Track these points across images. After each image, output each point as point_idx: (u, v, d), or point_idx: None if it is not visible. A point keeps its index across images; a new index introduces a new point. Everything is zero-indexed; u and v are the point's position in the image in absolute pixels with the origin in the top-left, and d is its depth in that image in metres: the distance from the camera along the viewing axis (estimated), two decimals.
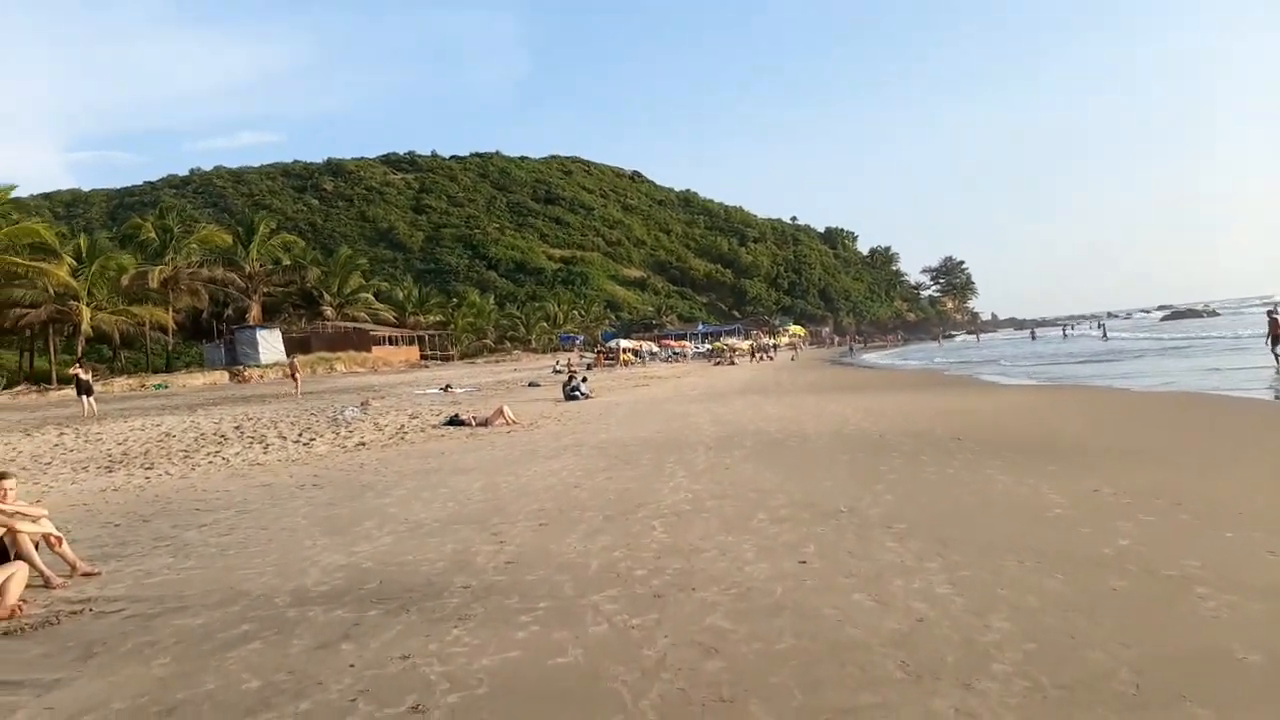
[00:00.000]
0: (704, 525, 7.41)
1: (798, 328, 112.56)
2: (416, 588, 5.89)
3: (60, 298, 46.64)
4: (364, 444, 15.34)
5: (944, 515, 7.34)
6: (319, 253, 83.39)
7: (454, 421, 18.17)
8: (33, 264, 43.61)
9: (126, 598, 5.99)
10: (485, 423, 17.84)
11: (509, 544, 7.04)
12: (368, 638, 4.94)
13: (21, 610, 5.61)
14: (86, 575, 6.57)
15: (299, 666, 4.57)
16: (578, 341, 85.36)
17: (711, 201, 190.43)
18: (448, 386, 32.94)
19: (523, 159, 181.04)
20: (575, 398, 24.80)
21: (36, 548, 6.45)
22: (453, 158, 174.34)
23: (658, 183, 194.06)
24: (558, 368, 46.18)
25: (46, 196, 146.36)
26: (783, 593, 5.38)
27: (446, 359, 71.84)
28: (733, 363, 57.26)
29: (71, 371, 24.03)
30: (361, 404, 24.48)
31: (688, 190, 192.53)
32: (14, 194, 48.70)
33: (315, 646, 4.86)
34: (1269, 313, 25.20)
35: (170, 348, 56.58)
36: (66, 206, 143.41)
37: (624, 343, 67.61)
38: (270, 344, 55.07)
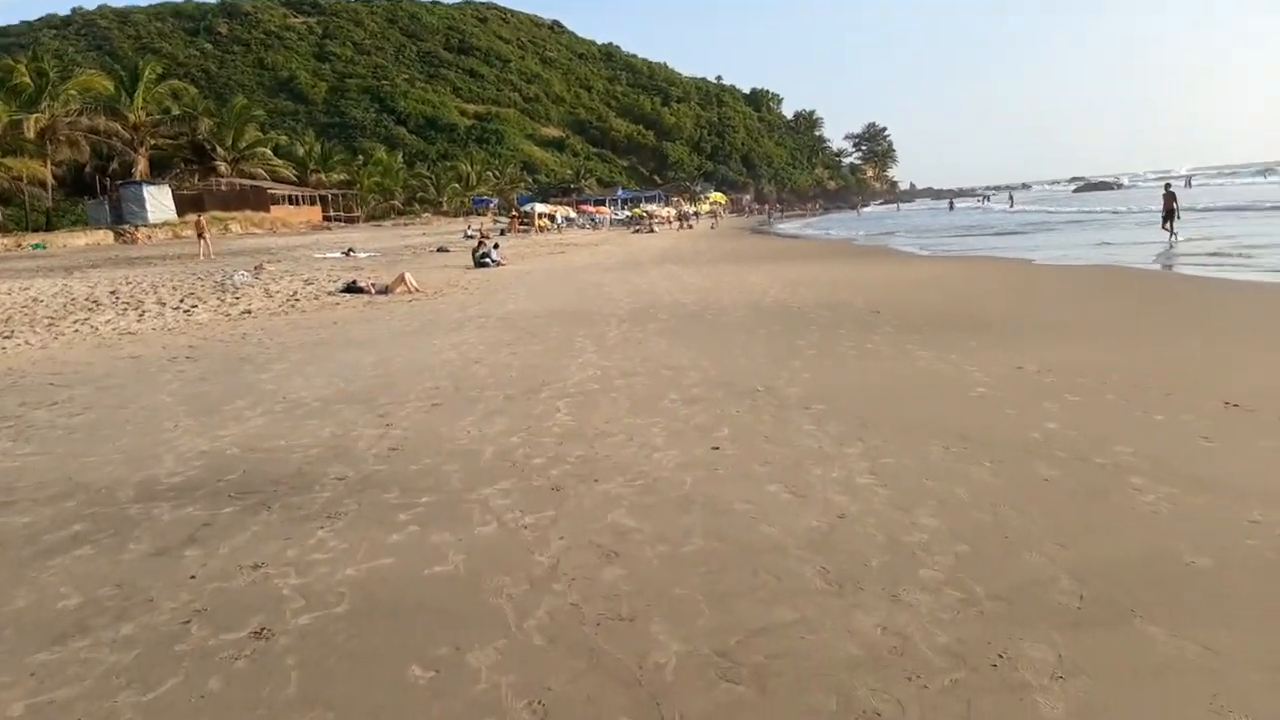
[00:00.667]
0: (612, 406, 6.87)
1: (719, 195, 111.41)
2: (284, 479, 5.22)
3: None
4: (250, 312, 14.28)
5: (864, 394, 6.95)
6: (212, 102, 77.66)
7: (351, 289, 17.12)
8: None
9: None
10: (385, 290, 16.85)
11: (395, 427, 6.39)
12: (217, 541, 4.29)
13: None
14: None
15: (130, 578, 3.91)
16: (492, 205, 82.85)
17: (635, 57, 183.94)
18: (350, 250, 31.36)
19: (434, 3, 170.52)
20: (485, 265, 23.79)
21: None
22: (360, 0, 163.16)
23: (578, 34, 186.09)
24: (469, 233, 44.55)
25: None
26: (692, 484, 4.88)
27: (351, 221, 68.83)
28: (652, 230, 56.30)
29: None
30: (255, 268, 23.04)
31: (610, 44, 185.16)
32: None
33: (153, 552, 4.20)
34: (1165, 187, 25.37)
35: (50, 205, 52.60)
36: None
37: (540, 207, 65.67)
38: (159, 201, 51.75)
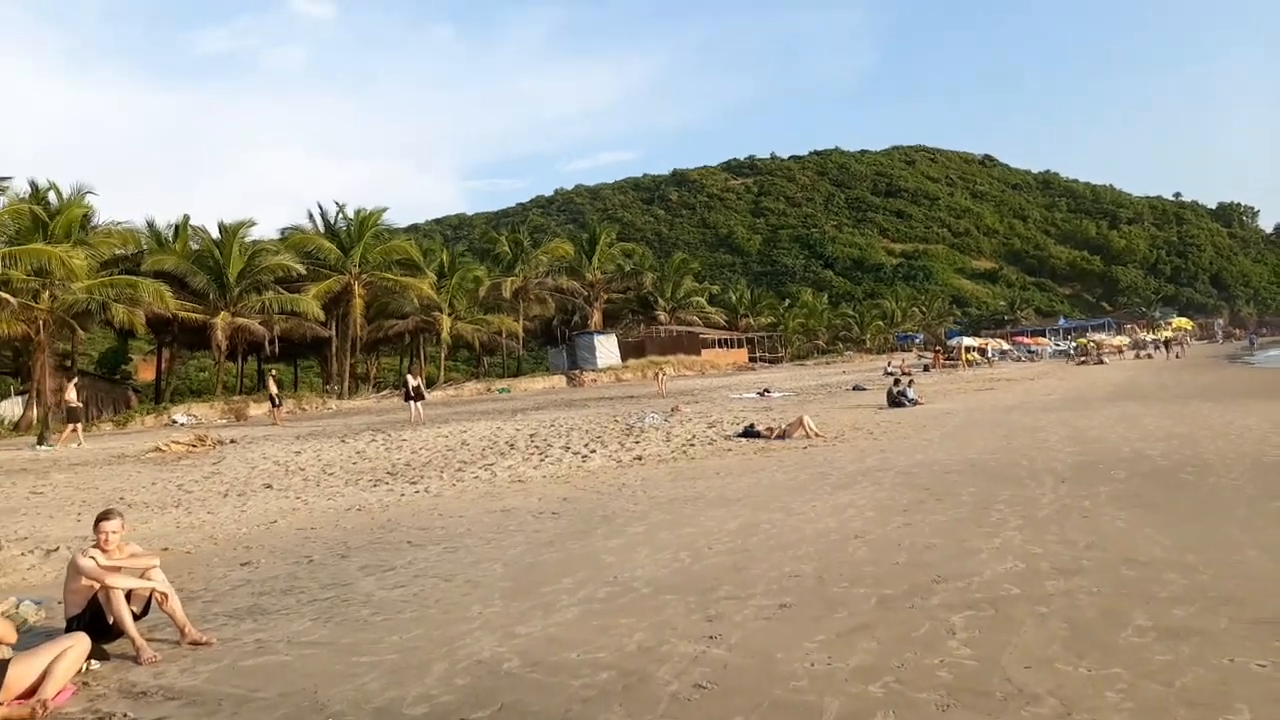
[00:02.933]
0: (1038, 633, 4.57)
1: (1183, 320, 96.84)
2: None
3: (426, 309, 51.28)
4: (641, 459, 13.70)
5: None
6: (655, 259, 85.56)
7: (748, 433, 16.05)
8: (402, 279, 48.28)
9: (193, 692, 4.50)
10: (783, 435, 15.52)
11: (720, 643, 4.72)
12: None
13: (46, 710, 4.29)
14: (194, 645, 5.26)
15: None
16: (917, 340, 79.79)
17: (1075, 182, 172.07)
18: (765, 390, 30.95)
19: (862, 153, 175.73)
20: (901, 404, 21.62)
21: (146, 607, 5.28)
22: (791, 158, 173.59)
23: (1012, 165, 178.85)
24: (889, 369, 42.45)
25: (438, 221, 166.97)
26: None
27: (775, 361, 70.19)
28: (1101, 361, 49.53)
29: (413, 382, 25.33)
30: (670, 410, 23.24)
31: (1047, 171, 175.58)
32: (415, 221, 55.01)
33: None
34: None
35: (522, 354, 60.46)
36: (453, 229, 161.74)
37: (968, 340, 61.49)
38: (606, 348, 56.81)
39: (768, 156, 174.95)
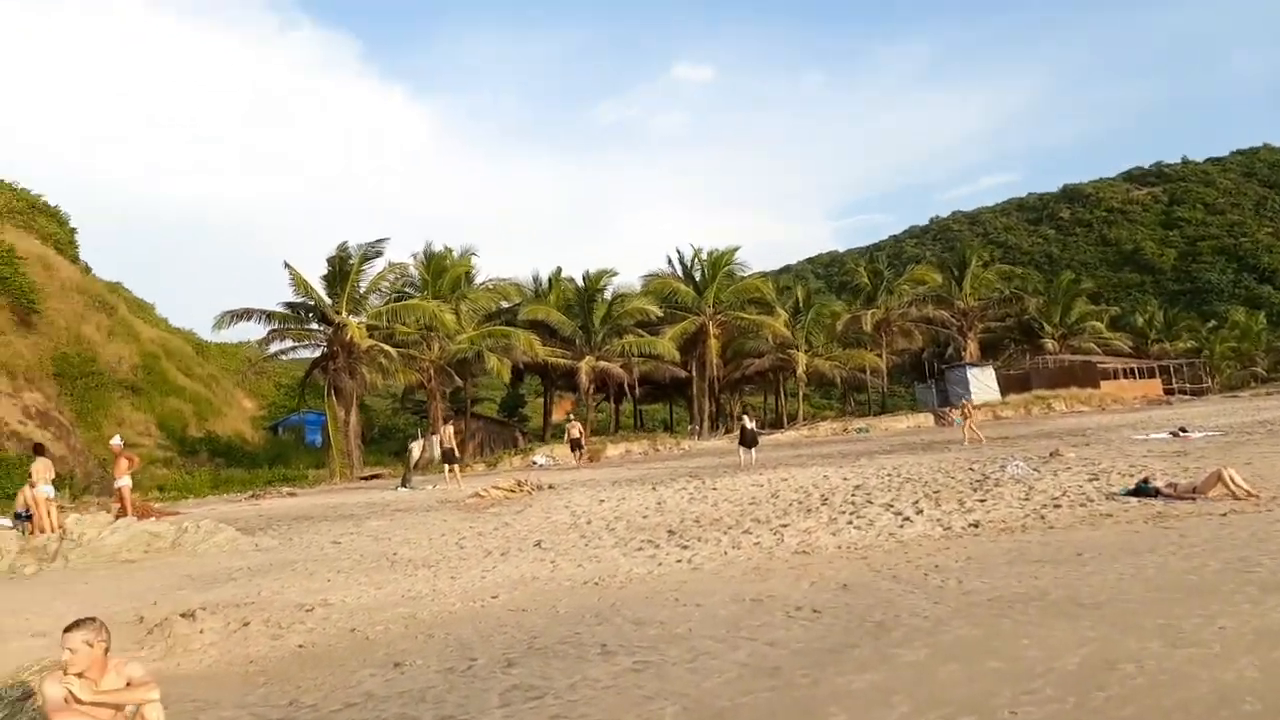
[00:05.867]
0: None
1: None
2: None
3: (781, 347, 49.80)
4: (978, 526, 10.48)
5: None
6: (1045, 282, 76.56)
7: (1141, 490, 11.96)
8: (755, 318, 47.31)
9: None
10: (1193, 493, 11.30)
11: None
12: None
13: None
14: None
15: None
16: None
17: None
18: (1181, 430, 24.84)
19: None
20: None
21: None
22: (1208, 160, 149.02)
23: None
24: None
25: (810, 260, 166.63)
26: None
27: (1199, 393, 58.73)
28: None
29: (747, 425, 23.59)
30: (1050, 454, 19.07)
31: None
32: (786, 262, 54.86)
33: None
34: None
35: (884, 390, 56.68)
36: (825, 267, 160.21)
37: None
38: (982, 383, 51.18)
39: (1178, 161, 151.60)
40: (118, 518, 15.92)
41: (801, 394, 54.39)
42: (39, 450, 16.47)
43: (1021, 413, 45.15)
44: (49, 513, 15.26)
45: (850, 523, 11.31)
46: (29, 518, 15.71)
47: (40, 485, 15.50)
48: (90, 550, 12.69)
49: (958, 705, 4.43)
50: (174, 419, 44.86)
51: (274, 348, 37.82)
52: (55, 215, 55.23)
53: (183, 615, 7.58)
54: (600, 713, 4.79)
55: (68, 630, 3.93)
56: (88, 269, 56.63)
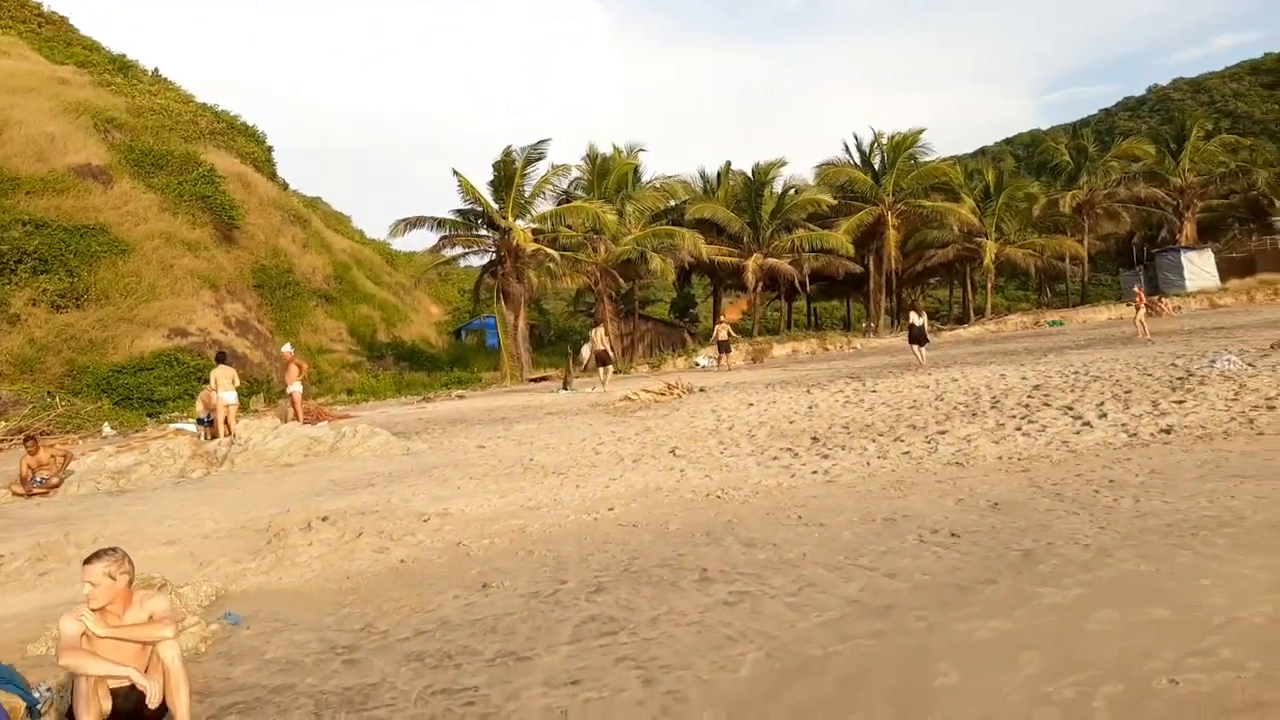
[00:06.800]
0: None
1: None
2: None
3: (968, 235, 46.50)
4: (1169, 431, 9.00)
5: None
6: (1275, 154, 67.08)
7: None
8: (939, 205, 44.21)
9: None
10: None
11: None
12: None
13: None
14: None
15: None
16: None
17: None
18: None
19: None
20: None
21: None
22: None
23: None
24: None
25: (1007, 141, 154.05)
26: None
27: None
28: None
29: (917, 321, 21.93)
30: (1271, 345, 16.64)
31: None
32: (982, 143, 50.96)
33: None
34: None
35: (1084, 279, 52.12)
36: (1025, 147, 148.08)
37: None
38: (1198, 267, 45.98)
39: None
40: (289, 421, 16.75)
41: (990, 286, 50.90)
42: (221, 358, 17.48)
43: (1243, 300, 40.30)
44: (226, 419, 16.22)
45: (1019, 429, 10.08)
46: (210, 423, 16.80)
47: (221, 391, 16.48)
48: (254, 454, 13.32)
49: (1103, 668, 3.52)
50: (363, 325, 47.52)
51: (447, 255, 38.82)
52: (253, 134, 58.61)
53: (300, 527, 7.59)
54: (671, 655, 4.20)
55: (87, 562, 3.70)
56: (285, 185, 60.27)
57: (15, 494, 11.68)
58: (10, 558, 7.27)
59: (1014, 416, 10.97)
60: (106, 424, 23.90)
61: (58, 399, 25.63)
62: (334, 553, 7.00)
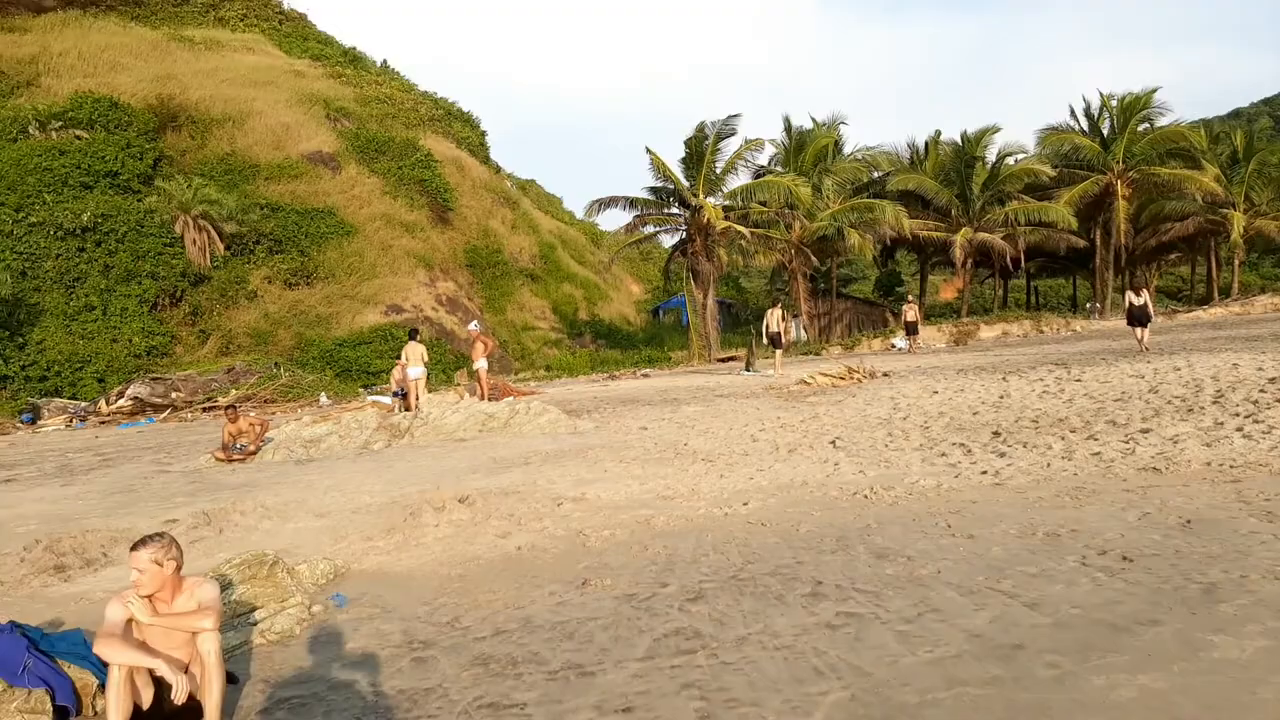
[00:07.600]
0: None
1: None
2: None
3: (1211, 206, 41.56)
4: None
5: None
6: None
7: None
8: (1177, 172, 39.74)
9: None
10: None
11: None
12: None
13: None
14: None
15: None
16: None
17: None
18: None
19: None
20: None
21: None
22: None
23: None
24: None
25: (1265, 101, 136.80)
26: None
27: None
28: None
29: (1137, 301, 19.61)
30: None
31: None
32: (1236, 105, 45.85)
33: None
34: None
35: None
36: None
37: None
38: None
39: None
40: (480, 398, 17.32)
41: (1238, 263, 45.33)
42: (413, 335, 18.34)
43: None
44: (416, 393, 17.00)
45: (1239, 429, 8.65)
46: (405, 395, 17.68)
47: (410, 367, 17.29)
48: (433, 428, 13.80)
49: None
50: (566, 303, 48.90)
51: (642, 234, 39.09)
52: (468, 120, 61.53)
53: (435, 506, 7.65)
54: (743, 687, 3.72)
55: (134, 549, 3.69)
56: (497, 168, 62.97)
57: (218, 459, 12.70)
58: (177, 524, 7.79)
59: (1237, 414, 9.45)
60: (323, 394, 25.84)
61: (283, 369, 27.99)
62: (458, 535, 6.97)
